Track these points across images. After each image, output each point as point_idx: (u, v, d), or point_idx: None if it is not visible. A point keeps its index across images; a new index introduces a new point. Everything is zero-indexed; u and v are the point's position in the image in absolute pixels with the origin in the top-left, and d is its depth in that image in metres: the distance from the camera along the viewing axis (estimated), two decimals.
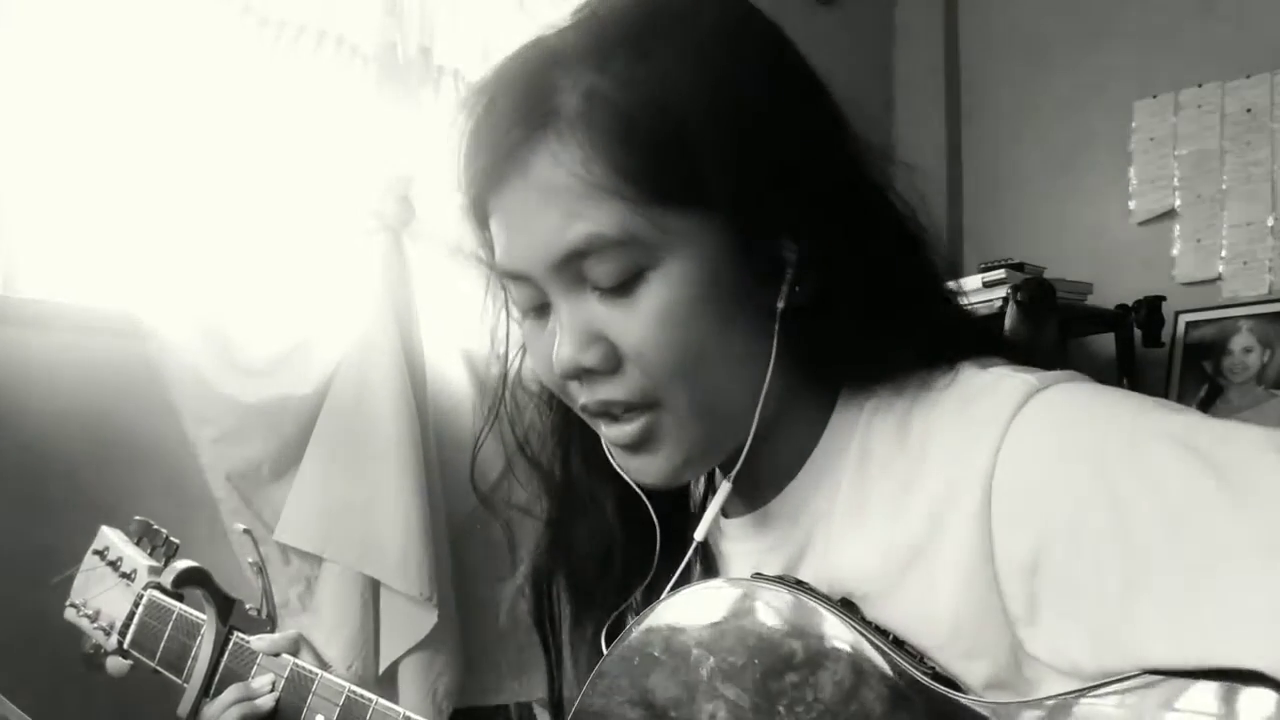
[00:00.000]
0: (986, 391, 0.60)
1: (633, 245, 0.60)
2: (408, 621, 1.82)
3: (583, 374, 0.64)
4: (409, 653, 1.82)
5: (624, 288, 0.61)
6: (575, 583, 0.78)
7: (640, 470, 0.67)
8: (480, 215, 0.67)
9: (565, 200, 0.60)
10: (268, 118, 1.84)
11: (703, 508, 0.75)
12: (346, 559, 1.79)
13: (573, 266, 0.62)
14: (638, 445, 0.65)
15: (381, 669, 1.82)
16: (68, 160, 1.69)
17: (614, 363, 0.63)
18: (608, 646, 0.67)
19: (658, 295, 0.61)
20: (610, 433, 0.66)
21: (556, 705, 0.81)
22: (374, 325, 1.85)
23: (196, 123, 1.74)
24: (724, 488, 0.68)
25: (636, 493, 0.71)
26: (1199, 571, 0.47)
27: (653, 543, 0.73)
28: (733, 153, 0.60)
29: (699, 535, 0.69)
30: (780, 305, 0.63)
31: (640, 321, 0.61)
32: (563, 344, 0.63)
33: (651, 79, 0.60)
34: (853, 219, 0.64)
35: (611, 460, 0.71)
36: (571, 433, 0.76)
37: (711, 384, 0.63)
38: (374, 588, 1.82)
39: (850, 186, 0.65)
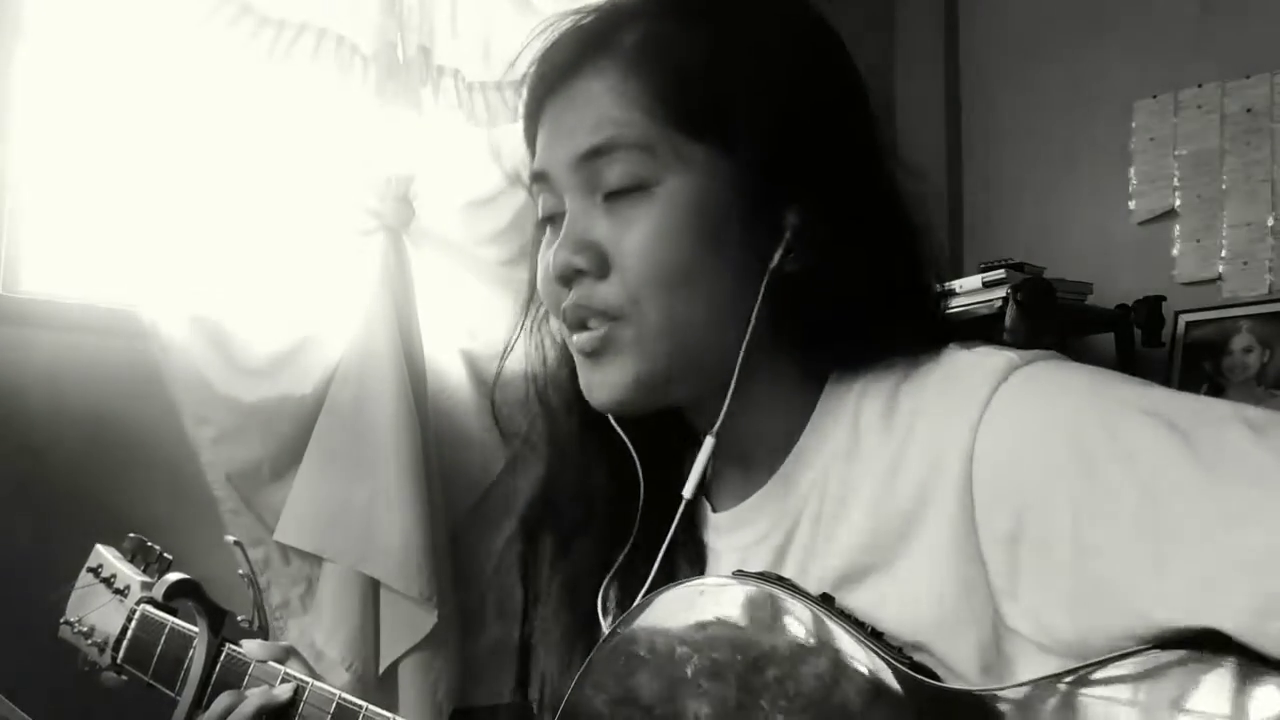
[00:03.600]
0: (969, 368, 0.62)
1: (644, 155, 0.66)
2: (408, 622, 1.82)
3: (574, 276, 0.68)
4: (409, 653, 1.83)
5: (626, 196, 0.67)
6: (558, 533, 0.80)
7: (597, 384, 0.69)
8: (531, 135, 0.73)
9: (599, 106, 0.67)
10: (268, 118, 1.84)
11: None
12: (346, 559, 1.80)
13: (589, 166, 0.68)
14: (598, 352, 0.68)
15: (381, 669, 1.82)
16: (70, 159, 1.70)
17: (601, 267, 0.67)
18: (605, 619, 0.70)
19: (652, 210, 0.66)
20: (577, 339, 0.69)
21: (524, 648, 0.84)
22: (374, 325, 1.85)
23: (197, 122, 1.75)
24: (708, 442, 0.70)
25: (630, 454, 0.73)
26: (1168, 539, 0.49)
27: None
28: (758, 106, 0.66)
29: (687, 492, 0.70)
30: (772, 264, 0.67)
31: (631, 232, 0.66)
32: (560, 246, 0.68)
33: (704, 32, 0.68)
34: (857, 203, 0.67)
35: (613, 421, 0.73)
36: (578, 386, 0.77)
37: (683, 309, 0.66)
38: (374, 588, 1.82)
39: (863, 175, 0.69)
